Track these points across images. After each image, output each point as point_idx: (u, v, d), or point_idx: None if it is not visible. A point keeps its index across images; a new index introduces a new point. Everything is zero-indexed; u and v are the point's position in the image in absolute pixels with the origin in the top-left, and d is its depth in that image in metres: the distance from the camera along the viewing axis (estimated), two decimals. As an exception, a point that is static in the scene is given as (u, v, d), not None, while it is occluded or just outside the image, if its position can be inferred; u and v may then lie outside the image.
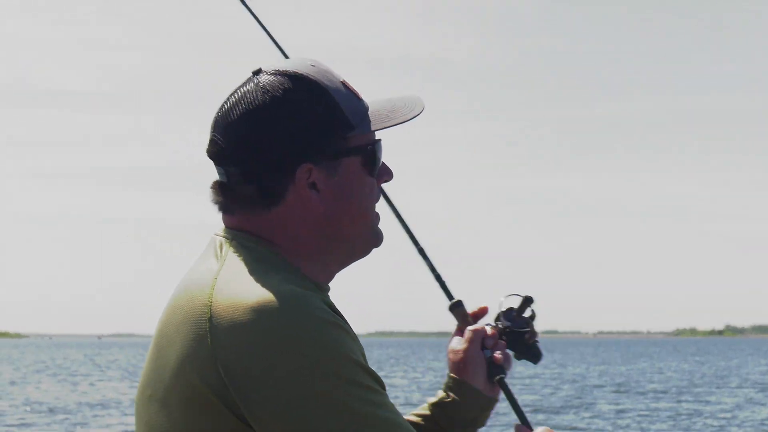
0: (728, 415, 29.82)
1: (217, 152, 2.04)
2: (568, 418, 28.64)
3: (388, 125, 2.09)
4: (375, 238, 2.13)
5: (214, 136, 2.05)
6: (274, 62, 2.08)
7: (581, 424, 26.94)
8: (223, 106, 2.05)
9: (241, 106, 2.02)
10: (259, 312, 1.87)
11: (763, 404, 33.92)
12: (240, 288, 1.91)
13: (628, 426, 26.45)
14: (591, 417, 29.12)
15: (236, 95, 2.04)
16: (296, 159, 2.00)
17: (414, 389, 42.25)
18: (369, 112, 2.09)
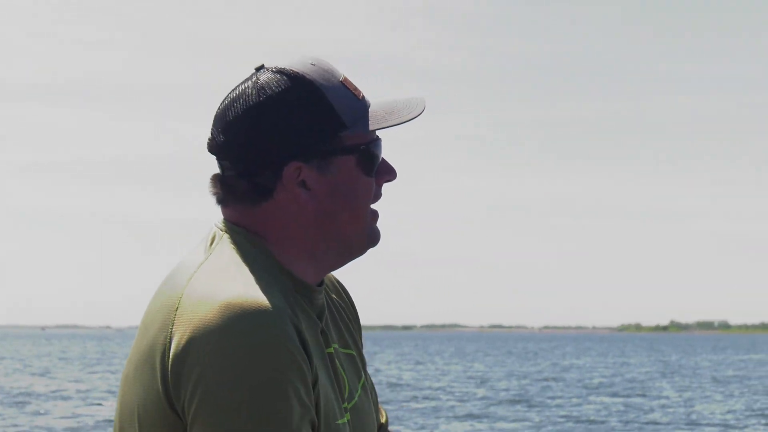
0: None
1: (213, 146, 2.11)
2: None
3: (384, 126, 2.11)
4: (371, 238, 2.14)
5: (213, 130, 2.11)
6: (277, 59, 2.13)
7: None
8: (223, 101, 2.11)
9: (238, 102, 2.08)
10: (217, 316, 1.91)
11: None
12: (212, 286, 1.96)
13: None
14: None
15: (236, 91, 2.10)
16: (285, 157, 2.05)
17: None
18: (369, 113, 2.11)
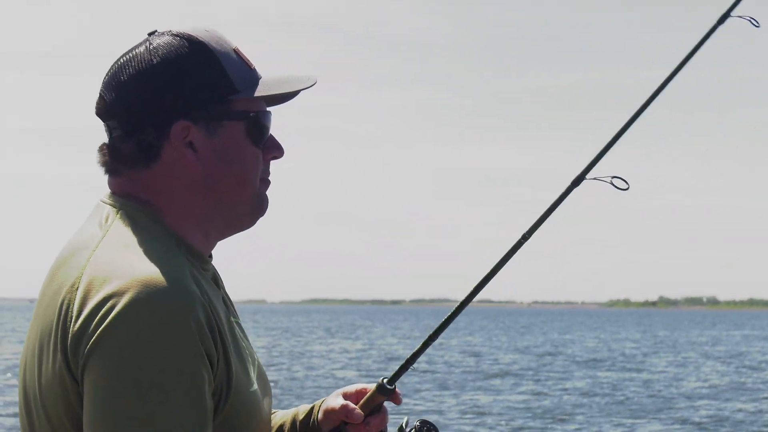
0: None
1: (102, 107, 2.10)
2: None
3: (273, 92, 2.13)
4: (258, 206, 2.14)
5: (102, 91, 2.11)
6: (170, 25, 2.14)
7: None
8: (114, 63, 2.11)
9: (130, 63, 2.08)
10: (122, 293, 1.90)
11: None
12: (114, 263, 1.95)
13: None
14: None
15: (128, 54, 2.10)
16: (174, 116, 2.05)
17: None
18: (260, 82, 2.14)
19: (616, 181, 2.57)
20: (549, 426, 21.25)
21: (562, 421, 22.04)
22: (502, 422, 21.66)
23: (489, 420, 22.03)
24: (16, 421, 19.64)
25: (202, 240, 2.10)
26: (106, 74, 2.11)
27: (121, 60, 2.09)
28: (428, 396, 26.43)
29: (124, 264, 1.93)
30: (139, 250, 1.97)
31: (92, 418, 1.88)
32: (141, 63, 2.06)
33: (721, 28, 2.79)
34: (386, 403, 2.42)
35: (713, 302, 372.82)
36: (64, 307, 1.94)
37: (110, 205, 2.07)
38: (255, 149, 2.11)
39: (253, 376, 2.13)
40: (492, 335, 72.35)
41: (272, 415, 2.45)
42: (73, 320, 1.92)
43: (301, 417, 2.44)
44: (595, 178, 2.58)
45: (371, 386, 2.40)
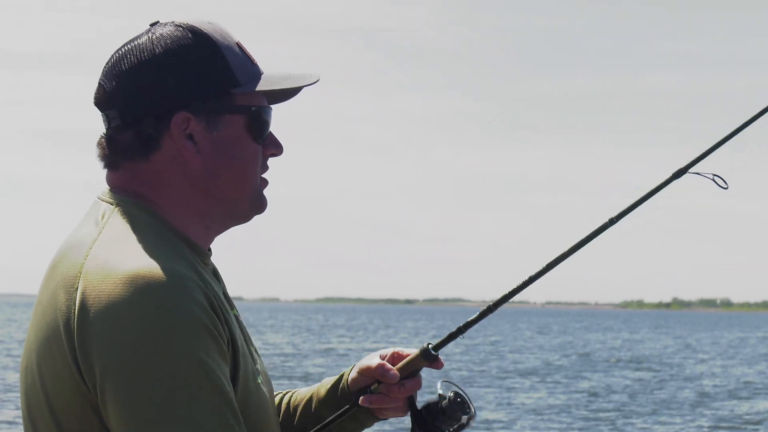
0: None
1: (102, 96, 2.05)
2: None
3: (277, 87, 2.08)
4: (257, 203, 2.10)
5: (102, 80, 2.06)
6: (172, 16, 2.10)
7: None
8: (115, 53, 2.06)
9: (132, 52, 2.03)
10: (123, 290, 1.86)
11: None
12: (113, 260, 1.90)
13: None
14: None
15: (130, 44, 2.05)
16: (174, 106, 2.01)
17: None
18: (262, 77, 2.09)
19: (717, 180, 2.56)
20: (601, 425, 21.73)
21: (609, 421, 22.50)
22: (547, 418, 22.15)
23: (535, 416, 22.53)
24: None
25: (201, 234, 2.06)
26: (106, 63, 2.07)
27: (123, 49, 2.05)
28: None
29: (122, 260, 1.90)
30: (136, 246, 1.93)
31: (120, 421, 1.85)
32: (143, 52, 2.02)
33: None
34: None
35: (727, 304, 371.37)
36: (66, 308, 1.90)
37: (107, 202, 2.04)
38: (255, 145, 2.08)
39: (259, 367, 2.11)
40: (518, 334, 72.37)
41: (288, 395, 2.49)
42: (76, 321, 1.88)
43: (326, 387, 2.44)
44: (697, 173, 2.56)
45: (407, 351, 2.40)
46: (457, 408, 2.38)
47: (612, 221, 2.52)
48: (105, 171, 2.08)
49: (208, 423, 1.85)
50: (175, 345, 1.84)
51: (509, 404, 24.61)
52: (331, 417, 2.41)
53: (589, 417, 22.47)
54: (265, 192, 2.14)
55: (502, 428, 20.29)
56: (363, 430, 2.46)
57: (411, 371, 2.38)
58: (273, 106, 2.15)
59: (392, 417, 2.42)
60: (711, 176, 2.56)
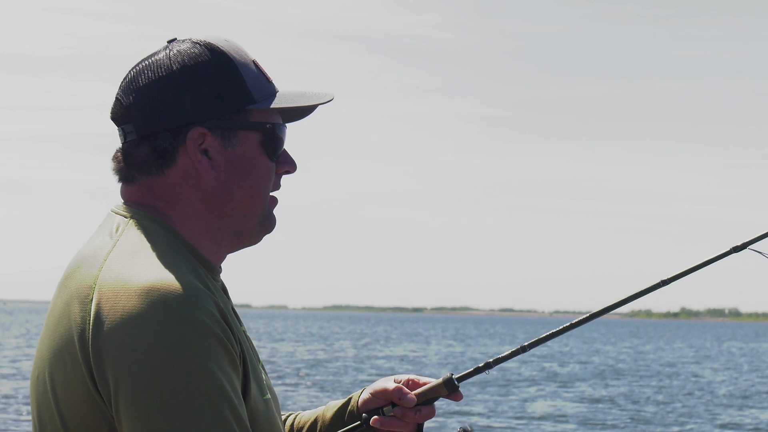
0: None
1: (119, 110, 2.08)
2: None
3: (291, 105, 2.10)
4: (267, 222, 2.12)
5: (119, 95, 2.09)
6: (189, 34, 2.13)
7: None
8: (133, 68, 2.09)
9: (149, 68, 2.06)
10: (138, 302, 1.87)
11: None
12: (127, 273, 1.91)
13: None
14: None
15: (149, 59, 2.08)
16: (190, 122, 2.03)
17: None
18: (277, 95, 2.11)
19: None
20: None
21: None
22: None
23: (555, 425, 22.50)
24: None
25: (213, 251, 2.08)
26: (124, 79, 2.09)
27: (140, 65, 2.08)
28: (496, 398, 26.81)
29: (137, 272, 1.91)
30: (151, 259, 1.95)
31: (132, 431, 1.86)
32: (161, 68, 2.05)
33: None
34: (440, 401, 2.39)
35: (735, 314, 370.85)
36: (80, 319, 1.91)
37: (121, 214, 2.05)
38: (269, 162, 2.10)
39: (267, 385, 2.11)
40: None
41: (292, 417, 2.51)
42: (91, 332, 1.89)
43: (333, 411, 2.45)
44: (757, 251, 2.68)
45: (424, 379, 2.41)
46: None
47: (663, 282, 2.66)
48: (120, 185, 2.10)
49: None
50: (188, 356, 1.86)
51: (523, 412, 24.56)
52: (340, 431, 2.41)
53: (604, 425, 22.42)
54: (275, 211, 2.15)
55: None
56: None
57: (428, 399, 2.37)
58: (287, 125, 2.17)
59: None
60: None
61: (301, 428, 2.48)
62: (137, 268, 1.92)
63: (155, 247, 1.98)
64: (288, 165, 2.14)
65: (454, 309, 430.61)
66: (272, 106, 2.09)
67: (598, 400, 28.28)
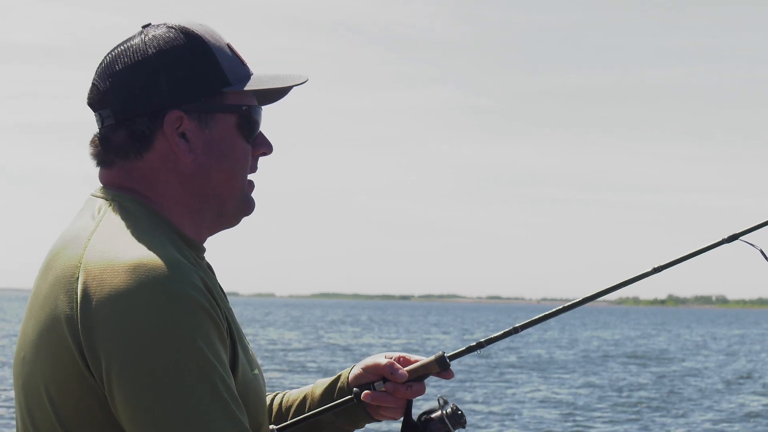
0: None
1: (95, 95, 2.09)
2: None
3: (267, 87, 2.12)
4: (245, 204, 2.14)
5: (96, 81, 2.10)
6: (164, 18, 2.14)
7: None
8: (109, 54, 2.10)
9: (125, 54, 2.08)
10: (124, 279, 1.88)
11: None
12: (112, 251, 1.92)
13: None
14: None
15: (124, 45, 2.10)
16: (167, 105, 2.05)
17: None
18: (252, 77, 2.13)
19: (766, 253, 2.66)
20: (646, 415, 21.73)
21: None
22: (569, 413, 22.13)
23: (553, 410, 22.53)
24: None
25: (193, 232, 2.09)
26: (100, 64, 2.10)
27: (116, 50, 2.09)
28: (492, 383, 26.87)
29: (121, 250, 1.93)
30: (135, 237, 1.96)
31: (126, 407, 1.88)
32: (136, 53, 2.06)
33: None
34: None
35: (722, 301, 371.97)
36: (67, 299, 1.92)
37: (102, 197, 2.07)
38: (245, 144, 2.12)
39: (254, 360, 2.13)
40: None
41: (279, 396, 2.51)
42: (79, 312, 1.90)
43: (322, 388, 2.46)
44: (748, 243, 2.67)
45: (415, 357, 2.42)
46: (456, 420, 2.39)
47: (656, 270, 2.64)
48: (98, 169, 2.11)
49: (211, 407, 1.88)
50: (178, 333, 1.87)
51: (511, 398, 24.56)
52: (330, 405, 2.41)
53: (598, 412, 22.43)
54: (253, 194, 2.17)
55: (504, 420, 20.25)
56: (354, 429, 2.46)
57: (419, 375, 2.39)
58: (263, 107, 2.19)
59: (388, 419, 2.41)
60: (760, 249, 2.66)
61: (290, 407, 2.49)
62: (122, 247, 1.94)
63: (139, 226, 2.00)
64: (264, 147, 2.16)
65: (441, 296, 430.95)
66: (247, 88, 2.11)
67: (585, 386, 28.29)
